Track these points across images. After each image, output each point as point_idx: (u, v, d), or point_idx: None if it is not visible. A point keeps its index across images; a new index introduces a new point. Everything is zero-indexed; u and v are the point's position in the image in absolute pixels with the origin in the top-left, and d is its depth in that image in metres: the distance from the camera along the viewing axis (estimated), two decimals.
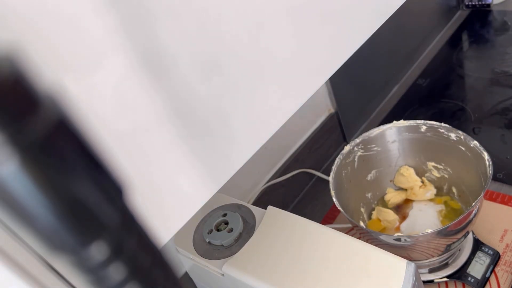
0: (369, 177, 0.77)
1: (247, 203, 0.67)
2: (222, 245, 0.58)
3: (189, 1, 0.26)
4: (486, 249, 0.70)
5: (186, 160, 0.28)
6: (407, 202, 0.77)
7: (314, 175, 0.95)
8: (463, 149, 0.68)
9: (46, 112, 0.11)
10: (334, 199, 0.64)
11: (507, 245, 0.72)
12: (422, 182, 0.78)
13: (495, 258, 0.69)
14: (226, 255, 0.56)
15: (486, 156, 0.64)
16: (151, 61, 0.25)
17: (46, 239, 0.12)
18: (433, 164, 0.76)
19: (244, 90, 0.31)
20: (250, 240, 0.57)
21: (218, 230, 0.59)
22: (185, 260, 0.62)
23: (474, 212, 0.61)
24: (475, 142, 0.66)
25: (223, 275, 0.55)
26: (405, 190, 0.78)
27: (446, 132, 0.70)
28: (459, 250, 0.70)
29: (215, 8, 0.27)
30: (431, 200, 0.77)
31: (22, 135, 0.11)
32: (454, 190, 0.75)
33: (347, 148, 0.72)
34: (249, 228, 0.59)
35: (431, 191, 0.77)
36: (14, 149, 0.11)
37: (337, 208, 0.63)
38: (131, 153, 0.25)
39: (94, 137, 0.13)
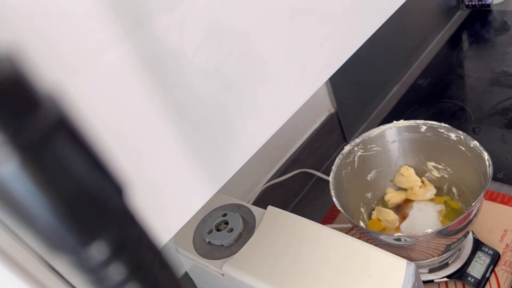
0: (369, 177, 0.77)
1: (247, 203, 0.67)
2: (222, 245, 0.58)
3: (190, 1, 0.26)
4: (486, 249, 0.70)
5: (186, 160, 0.28)
6: (407, 202, 0.77)
7: (314, 175, 0.95)
8: (463, 149, 0.68)
9: (46, 112, 0.11)
10: (334, 199, 0.64)
11: (507, 245, 0.71)
12: (422, 182, 0.78)
13: (495, 258, 0.69)
14: (226, 255, 0.56)
15: (486, 156, 0.64)
16: (151, 61, 0.25)
17: (46, 239, 0.12)
18: (433, 164, 0.76)
19: (244, 90, 0.31)
20: (250, 240, 0.57)
21: (218, 230, 0.59)
22: (185, 260, 0.62)
23: (474, 212, 0.61)
24: (475, 142, 0.66)
25: (223, 275, 0.55)
26: (405, 190, 0.78)
27: (446, 132, 0.70)
28: (459, 250, 0.70)
29: (215, 7, 0.27)
30: (431, 200, 0.77)
31: (22, 135, 0.11)
32: (454, 190, 0.75)
33: (347, 148, 0.72)
34: (249, 228, 0.59)
35: (431, 191, 0.77)
36: (14, 148, 0.11)
37: (337, 208, 0.63)
38: (131, 152, 0.25)
39: (94, 137, 0.13)
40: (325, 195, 0.87)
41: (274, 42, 0.32)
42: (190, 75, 0.27)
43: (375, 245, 0.52)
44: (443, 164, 0.75)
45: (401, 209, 0.77)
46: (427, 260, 0.65)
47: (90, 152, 0.13)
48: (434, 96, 1.05)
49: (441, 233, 0.59)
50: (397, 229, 0.74)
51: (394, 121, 0.74)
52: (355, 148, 0.73)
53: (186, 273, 0.68)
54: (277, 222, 0.57)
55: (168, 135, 0.26)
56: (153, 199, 0.27)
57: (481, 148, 0.65)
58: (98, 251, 0.13)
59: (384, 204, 0.78)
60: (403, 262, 0.49)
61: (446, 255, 0.66)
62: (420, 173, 0.78)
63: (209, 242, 0.59)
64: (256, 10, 0.30)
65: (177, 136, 0.27)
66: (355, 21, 0.39)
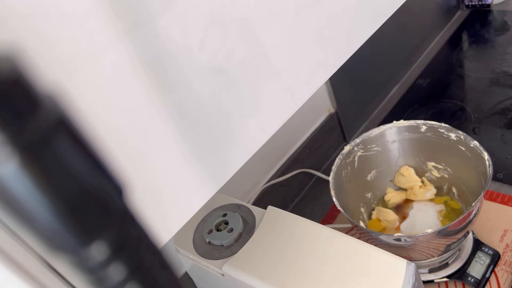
0: (369, 177, 0.77)
1: (247, 203, 0.67)
2: (222, 245, 0.58)
3: (189, 1, 0.26)
4: (486, 249, 0.70)
5: (186, 160, 0.28)
6: (407, 202, 0.77)
7: (314, 175, 0.95)
8: (463, 149, 0.68)
9: (46, 112, 0.11)
10: (334, 199, 0.64)
11: (507, 245, 0.71)
12: (422, 182, 0.78)
13: (495, 258, 0.69)
14: (226, 255, 0.56)
15: (486, 156, 0.64)
16: (152, 61, 0.25)
17: (46, 239, 0.12)
18: (433, 164, 0.76)
19: (244, 90, 0.31)
20: (250, 240, 0.57)
21: (218, 230, 0.59)
22: (185, 260, 0.62)
23: (474, 212, 0.61)
24: (475, 142, 0.66)
25: (223, 275, 0.55)
26: (405, 190, 0.78)
27: (446, 132, 0.70)
28: (459, 250, 0.70)
29: (215, 7, 0.27)
30: (431, 200, 0.77)
31: (22, 135, 0.11)
32: (454, 190, 0.75)
33: (347, 148, 0.72)
34: (249, 228, 0.59)
35: (431, 191, 0.77)
36: (14, 148, 0.11)
37: (337, 208, 0.63)
38: (131, 152, 0.25)
39: (94, 137, 0.13)
40: (325, 195, 0.87)
41: (274, 41, 0.32)
42: (190, 75, 0.27)
43: (375, 245, 0.52)
44: (443, 164, 0.75)
45: (401, 209, 0.77)
46: (427, 260, 0.65)
47: (90, 152, 0.13)
48: (434, 96, 1.05)
49: (441, 233, 0.59)
50: (397, 229, 0.74)
51: (394, 121, 0.74)
52: (355, 148, 0.73)
53: (186, 273, 0.68)
54: (277, 222, 0.57)
55: (168, 135, 0.26)
56: (153, 199, 0.27)
57: (481, 148, 0.65)
58: (98, 251, 0.13)
59: (384, 204, 0.78)
60: (403, 262, 0.49)
61: (446, 255, 0.66)
62: (420, 173, 0.78)
63: (209, 242, 0.59)
64: (256, 11, 0.30)
65: (177, 136, 0.27)
66: (355, 21, 0.39)
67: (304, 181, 0.94)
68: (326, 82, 0.92)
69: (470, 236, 0.72)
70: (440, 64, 1.15)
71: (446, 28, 1.26)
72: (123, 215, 0.14)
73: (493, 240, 0.73)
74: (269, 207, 0.60)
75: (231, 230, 0.58)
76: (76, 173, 0.12)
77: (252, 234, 0.57)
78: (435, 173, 0.77)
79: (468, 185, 0.71)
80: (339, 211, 0.63)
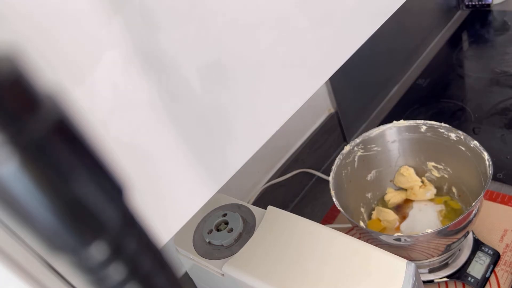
0: (369, 177, 0.77)
1: (247, 203, 0.67)
2: (222, 245, 0.58)
3: (190, 2, 0.26)
4: (486, 249, 0.70)
5: (186, 160, 0.28)
6: (407, 202, 0.77)
7: (314, 175, 0.95)
8: (463, 149, 0.68)
9: (46, 112, 0.11)
10: (334, 199, 0.64)
11: (507, 245, 0.71)
12: (422, 182, 0.78)
13: (495, 258, 0.69)
14: (226, 255, 0.56)
15: (486, 156, 0.64)
16: (152, 62, 0.25)
17: (46, 239, 0.12)
18: (433, 164, 0.76)
19: (244, 90, 0.31)
20: (250, 240, 0.57)
21: (218, 230, 0.59)
22: (185, 260, 0.62)
23: (474, 212, 0.61)
24: (475, 142, 0.66)
25: (223, 275, 0.55)
26: (405, 190, 0.78)
27: (446, 132, 0.70)
28: (459, 250, 0.70)
29: (216, 8, 0.27)
30: (431, 200, 0.77)
31: (22, 135, 0.11)
32: (454, 190, 0.75)
33: (347, 148, 0.72)
34: (249, 228, 0.59)
35: (431, 191, 0.77)
36: (14, 148, 0.11)
37: (337, 208, 0.63)
38: (131, 152, 0.25)
39: (94, 137, 0.13)
40: (325, 195, 0.87)
41: (274, 41, 0.32)
42: (190, 76, 0.27)
43: (375, 245, 0.52)
44: (443, 164, 0.75)
45: (401, 209, 0.77)
46: (427, 260, 0.65)
47: (90, 152, 0.13)
48: (434, 96, 1.05)
49: (441, 233, 0.59)
50: (397, 229, 0.74)
51: (394, 121, 0.74)
52: (355, 148, 0.73)
53: (186, 273, 0.68)
54: (277, 222, 0.57)
55: (168, 135, 0.26)
56: (153, 199, 0.27)
57: (481, 148, 0.65)
58: (98, 251, 0.13)
59: (384, 204, 0.78)
60: (403, 262, 0.49)
61: (446, 255, 0.66)
62: (420, 173, 0.78)
63: (209, 242, 0.59)
64: (256, 11, 0.30)
65: (177, 136, 0.27)
66: (355, 21, 0.39)
67: (304, 181, 0.94)
68: (326, 82, 0.92)
69: (470, 236, 0.72)
70: (440, 64, 1.15)
71: (446, 28, 1.26)
72: (123, 215, 0.14)
73: (493, 240, 0.72)
74: (269, 207, 0.60)
75: (231, 230, 0.58)
76: (76, 173, 0.12)
77: (252, 234, 0.57)
78: (435, 173, 0.77)
79: (468, 185, 0.71)
80: (339, 211, 0.63)
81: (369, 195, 0.78)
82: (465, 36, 1.22)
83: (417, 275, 0.50)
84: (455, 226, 0.60)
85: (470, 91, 1.05)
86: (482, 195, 0.59)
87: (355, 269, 0.50)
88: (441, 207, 0.75)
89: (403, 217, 0.76)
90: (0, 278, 0.21)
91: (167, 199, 0.28)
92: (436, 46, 1.21)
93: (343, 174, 0.71)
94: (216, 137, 0.30)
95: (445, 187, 0.76)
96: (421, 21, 1.19)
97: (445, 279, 0.68)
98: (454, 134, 0.69)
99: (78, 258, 0.13)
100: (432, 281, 0.69)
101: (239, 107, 0.31)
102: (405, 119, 0.74)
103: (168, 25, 0.25)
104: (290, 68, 0.34)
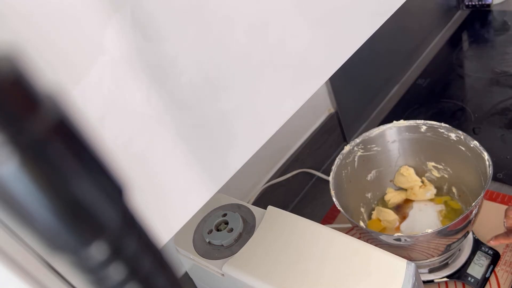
0: (369, 177, 0.77)
1: (247, 203, 0.67)
2: (222, 245, 0.58)
3: (189, 2, 0.26)
4: (486, 249, 0.70)
5: (186, 160, 0.28)
6: (407, 202, 0.77)
7: (314, 175, 0.95)
8: (463, 149, 0.68)
9: (46, 112, 0.11)
10: (334, 199, 0.64)
11: (507, 245, 0.71)
12: (422, 182, 0.78)
13: (495, 258, 0.69)
14: (226, 255, 0.56)
15: (486, 156, 0.64)
16: (152, 62, 0.25)
17: (46, 239, 0.12)
18: (433, 164, 0.76)
19: (244, 90, 0.31)
20: (250, 240, 0.57)
21: (218, 230, 0.59)
22: (185, 260, 0.62)
23: (474, 212, 0.61)
24: (475, 142, 0.66)
25: (223, 275, 0.55)
26: (405, 190, 0.78)
27: (446, 132, 0.70)
28: (459, 250, 0.70)
29: (216, 9, 0.27)
30: (431, 200, 0.77)
31: (22, 135, 0.11)
32: (454, 190, 0.75)
33: (347, 148, 0.72)
34: (249, 228, 0.59)
35: (431, 191, 0.77)
36: (14, 148, 0.11)
37: (337, 208, 0.63)
38: (131, 153, 0.25)
39: (94, 137, 0.13)
40: (325, 195, 0.87)
41: (274, 41, 0.32)
42: (190, 76, 0.27)
43: (375, 245, 0.52)
44: (443, 164, 0.75)
45: (401, 209, 0.77)
46: (427, 260, 0.65)
47: (90, 152, 0.13)
48: (434, 96, 1.05)
49: (441, 233, 0.59)
50: (397, 229, 0.74)
51: (394, 121, 0.74)
52: (355, 148, 0.73)
53: (186, 273, 0.68)
54: (277, 222, 0.57)
55: (168, 136, 0.26)
56: (153, 199, 0.27)
57: (481, 148, 0.65)
58: (98, 251, 0.13)
59: (384, 204, 0.78)
60: (403, 262, 0.49)
61: (446, 255, 0.66)
62: (420, 173, 0.78)
63: (209, 242, 0.59)
64: (255, 11, 0.30)
65: (177, 136, 0.27)
66: (355, 21, 0.39)
67: (304, 181, 0.94)
68: (326, 82, 0.92)
69: (470, 236, 0.72)
70: (440, 64, 1.15)
71: (446, 28, 1.26)
72: (123, 215, 0.14)
73: None
74: (269, 207, 0.60)
75: (231, 230, 0.58)
76: (76, 173, 0.12)
77: (252, 234, 0.57)
78: (435, 173, 0.77)
79: (468, 185, 0.71)
80: (339, 211, 0.63)
81: (369, 195, 0.78)
82: (465, 36, 1.22)
83: (417, 275, 0.50)
84: (455, 226, 0.60)
85: (470, 91, 1.05)
86: (482, 195, 0.59)
87: (355, 269, 0.50)
88: (441, 207, 0.75)
89: (403, 217, 0.76)
90: (0, 278, 0.21)
91: (167, 199, 0.28)
92: (436, 46, 1.21)
93: (343, 174, 0.71)
94: (216, 138, 0.30)
95: (445, 187, 0.76)
96: (421, 21, 1.19)
97: (445, 279, 0.68)
98: (454, 134, 0.69)
99: (78, 258, 0.13)
100: (432, 281, 0.69)
101: (239, 107, 0.31)
102: (405, 119, 0.74)
103: (168, 26, 0.25)
104: (290, 68, 0.34)
